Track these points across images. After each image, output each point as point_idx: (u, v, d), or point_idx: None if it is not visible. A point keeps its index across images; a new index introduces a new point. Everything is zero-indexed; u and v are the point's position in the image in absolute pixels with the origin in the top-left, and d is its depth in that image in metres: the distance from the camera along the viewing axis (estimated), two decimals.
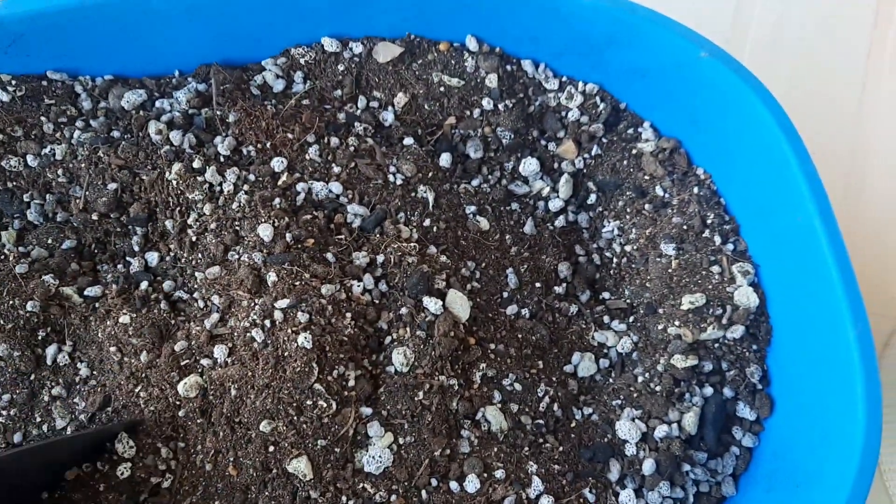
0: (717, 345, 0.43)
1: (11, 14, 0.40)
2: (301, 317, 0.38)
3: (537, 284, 0.44)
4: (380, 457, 0.38)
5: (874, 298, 0.52)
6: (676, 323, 0.43)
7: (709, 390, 0.43)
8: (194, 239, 0.41)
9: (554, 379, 0.43)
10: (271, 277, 0.39)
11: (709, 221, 0.45)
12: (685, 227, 0.44)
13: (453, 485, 0.38)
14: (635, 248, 0.45)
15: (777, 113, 0.41)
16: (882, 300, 0.52)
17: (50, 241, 0.41)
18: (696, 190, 0.45)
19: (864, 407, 0.37)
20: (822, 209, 0.40)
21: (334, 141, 0.43)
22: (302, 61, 0.45)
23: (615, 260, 0.46)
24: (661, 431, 0.41)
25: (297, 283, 0.39)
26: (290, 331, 0.38)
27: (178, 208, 0.41)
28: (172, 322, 0.40)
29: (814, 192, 0.40)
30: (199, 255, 0.41)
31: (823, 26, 0.57)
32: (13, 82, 0.42)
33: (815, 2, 0.57)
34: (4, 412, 0.38)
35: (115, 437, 0.37)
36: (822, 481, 0.38)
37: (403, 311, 0.40)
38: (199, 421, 0.38)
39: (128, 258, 0.42)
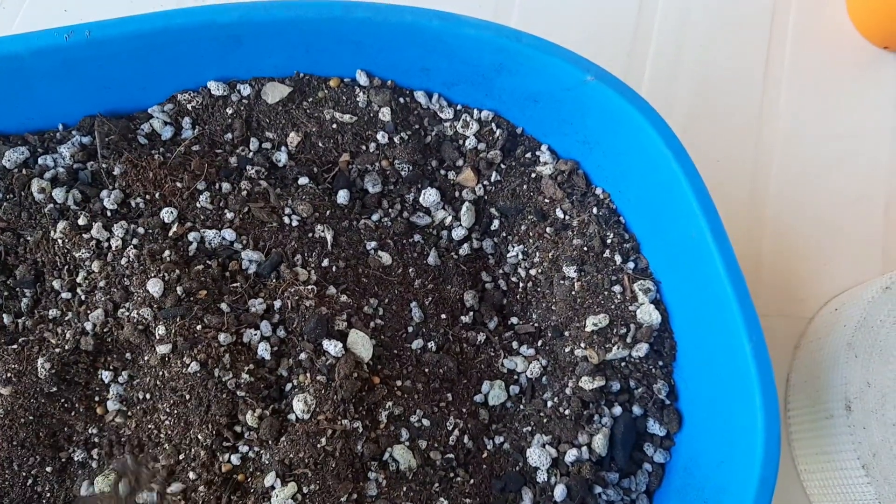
0: (623, 364, 0.43)
1: None
2: (193, 366, 0.38)
3: (443, 316, 0.44)
4: None
5: (784, 300, 0.53)
6: (582, 345, 0.43)
7: (618, 409, 0.43)
8: (83, 298, 0.40)
9: (464, 410, 0.42)
10: (160, 331, 0.38)
11: (609, 241, 0.45)
12: (585, 248, 0.45)
13: None
14: (540, 271, 0.45)
15: (664, 131, 0.42)
16: (791, 301, 0.52)
17: None
18: (595, 210, 0.46)
19: (763, 419, 0.38)
20: (712, 224, 0.40)
21: (226, 186, 0.43)
22: (189, 106, 0.44)
23: (521, 284, 0.46)
24: (571, 456, 0.41)
25: (188, 334, 0.38)
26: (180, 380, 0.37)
27: (66, 267, 0.40)
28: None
29: (704, 207, 0.41)
30: (90, 314, 0.40)
31: (722, 41, 0.58)
32: None
33: (713, 18, 0.58)
34: None
35: None
36: (727, 495, 0.39)
37: (303, 356, 0.39)
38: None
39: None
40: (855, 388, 0.44)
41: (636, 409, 0.43)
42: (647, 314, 0.43)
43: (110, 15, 0.47)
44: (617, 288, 0.44)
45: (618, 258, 0.44)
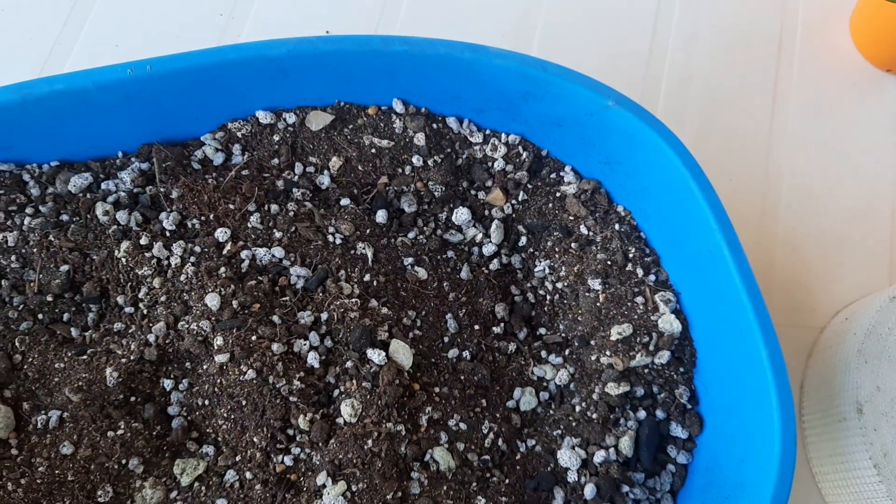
0: (646, 370, 0.46)
1: None
2: (250, 374, 0.41)
3: (476, 327, 0.47)
4: None
5: (796, 311, 0.56)
6: (607, 353, 0.46)
7: (642, 413, 0.46)
8: (145, 312, 0.43)
9: (497, 415, 0.45)
10: (218, 342, 0.41)
11: (631, 255, 0.48)
12: (609, 262, 0.48)
13: None
14: (566, 284, 0.48)
15: (681, 152, 0.45)
16: (804, 312, 0.55)
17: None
18: (617, 227, 0.49)
19: (780, 421, 0.40)
20: (728, 238, 0.43)
21: (274, 208, 0.46)
22: (239, 134, 0.47)
23: (548, 297, 0.49)
24: (599, 457, 0.44)
25: (245, 344, 0.41)
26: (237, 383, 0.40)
27: (129, 284, 0.44)
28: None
29: (720, 222, 0.43)
30: (152, 327, 0.43)
31: (732, 65, 0.61)
32: None
33: (723, 43, 0.62)
34: None
35: None
36: (747, 492, 0.41)
37: (349, 364, 0.42)
38: None
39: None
40: (866, 392, 0.47)
41: (659, 413, 0.46)
42: (668, 323, 0.46)
43: (158, 49, 0.51)
44: (639, 299, 0.47)
45: (639, 271, 0.47)
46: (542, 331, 0.49)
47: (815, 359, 0.53)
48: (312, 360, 0.42)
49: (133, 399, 0.42)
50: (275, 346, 0.42)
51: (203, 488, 0.40)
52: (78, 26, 0.58)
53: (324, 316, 0.43)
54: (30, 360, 0.42)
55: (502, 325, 0.48)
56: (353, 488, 0.40)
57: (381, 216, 0.48)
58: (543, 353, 0.48)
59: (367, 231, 0.47)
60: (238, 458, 0.41)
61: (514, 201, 0.50)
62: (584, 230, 0.49)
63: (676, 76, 0.61)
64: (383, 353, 0.43)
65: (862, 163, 0.59)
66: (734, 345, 0.44)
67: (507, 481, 0.43)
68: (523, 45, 0.61)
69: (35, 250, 0.44)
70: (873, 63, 0.61)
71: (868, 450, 0.46)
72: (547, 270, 0.49)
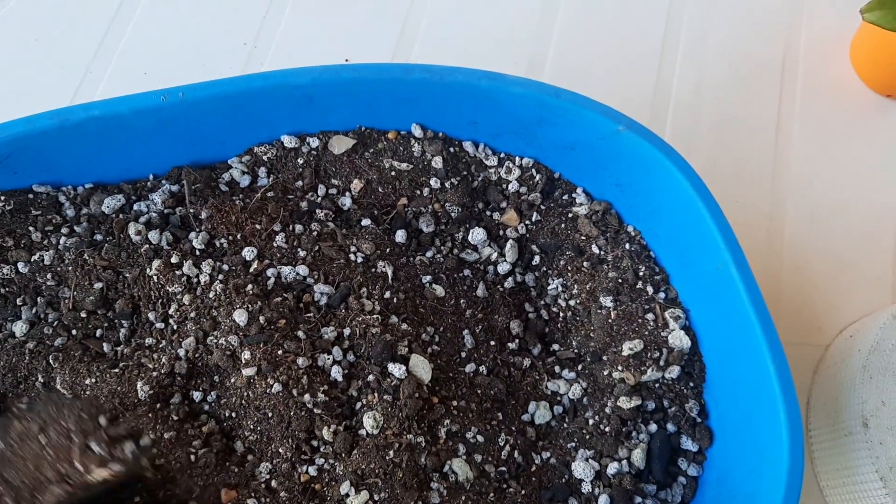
0: (657, 385, 0.48)
1: None
2: (276, 387, 0.42)
3: (492, 342, 0.49)
4: None
5: (802, 329, 0.57)
6: (619, 368, 0.47)
7: (653, 427, 0.47)
8: (175, 327, 0.45)
9: (513, 428, 0.47)
10: (245, 356, 0.43)
11: (641, 274, 0.50)
12: (620, 280, 0.49)
13: None
14: (578, 302, 0.50)
15: (689, 174, 0.46)
16: (809, 330, 0.57)
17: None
18: (627, 246, 0.50)
19: (788, 433, 0.41)
20: (736, 257, 0.45)
21: (298, 228, 0.48)
22: (265, 158, 0.49)
23: (561, 314, 0.51)
24: (612, 468, 0.45)
25: (271, 358, 0.43)
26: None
27: (160, 301, 0.45)
28: None
29: (727, 242, 0.45)
30: (182, 341, 0.44)
31: (737, 92, 0.63)
32: (2, 198, 0.46)
33: (727, 71, 0.64)
34: None
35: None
36: (758, 500, 0.42)
37: (371, 378, 0.44)
38: None
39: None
40: (871, 407, 0.48)
41: (670, 427, 0.47)
42: (678, 339, 0.47)
43: (185, 76, 0.53)
44: (650, 316, 0.48)
45: (650, 289, 0.49)
46: (556, 347, 0.50)
47: (820, 375, 0.55)
48: (336, 373, 0.44)
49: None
50: (300, 361, 0.43)
51: None
52: (108, 55, 0.61)
53: (346, 331, 0.45)
54: (62, 374, 0.44)
55: (517, 341, 0.50)
56: (376, 497, 0.42)
57: (400, 236, 0.50)
58: (557, 369, 0.49)
59: (387, 250, 0.49)
60: (262, 468, 0.42)
61: (527, 222, 0.52)
62: (595, 249, 0.51)
63: (683, 102, 0.63)
64: (404, 368, 0.44)
65: (864, 186, 0.60)
66: (742, 360, 0.45)
67: (523, 492, 0.44)
68: (535, 73, 0.63)
69: (70, 268, 0.46)
70: (874, 89, 0.63)
71: (874, 463, 0.47)
72: (560, 288, 0.51)
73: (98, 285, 0.45)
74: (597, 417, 0.47)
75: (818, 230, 0.59)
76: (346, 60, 0.61)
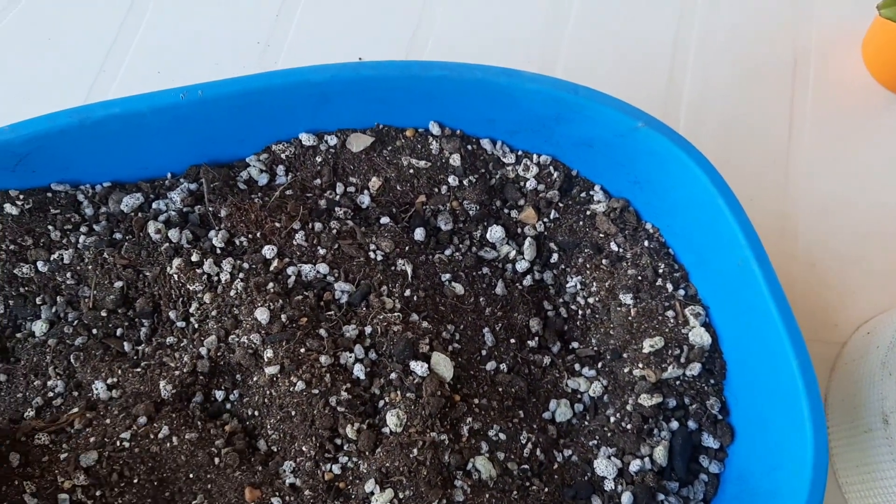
0: (678, 382, 0.48)
1: (17, 137, 0.44)
2: (299, 385, 0.42)
3: (512, 340, 0.49)
4: None
5: (818, 327, 0.57)
6: (640, 365, 0.47)
7: (675, 424, 0.47)
8: (196, 326, 0.45)
9: (535, 426, 0.47)
10: (268, 354, 0.43)
11: (660, 271, 0.49)
12: (640, 277, 0.49)
13: None
14: (597, 299, 0.50)
15: (709, 171, 0.46)
16: (824, 327, 0.57)
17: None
18: (646, 243, 0.50)
19: (812, 427, 0.41)
20: (756, 252, 0.45)
21: (318, 226, 0.48)
22: (283, 156, 0.49)
23: (580, 312, 0.51)
24: (635, 466, 0.45)
25: (294, 357, 0.43)
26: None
27: (181, 299, 0.45)
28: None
29: (748, 237, 0.45)
30: (204, 340, 0.44)
31: (750, 90, 0.63)
32: (21, 197, 0.46)
33: (740, 69, 0.64)
34: None
35: None
36: (780, 500, 0.42)
37: (393, 375, 0.44)
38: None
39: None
40: (891, 403, 0.48)
41: (691, 424, 0.47)
42: (699, 336, 0.47)
43: (198, 75, 0.53)
44: (670, 313, 0.48)
45: (669, 286, 0.49)
46: (575, 344, 0.50)
47: (838, 372, 0.55)
48: (358, 371, 0.44)
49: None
50: (322, 359, 0.43)
51: None
52: (122, 53, 0.61)
53: (368, 329, 0.45)
54: (84, 374, 0.44)
55: (537, 338, 0.50)
56: (401, 495, 0.41)
57: (419, 234, 0.50)
58: (577, 366, 0.49)
59: (407, 248, 0.49)
60: (286, 467, 0.42)
61: (545, 219, 0.52)
62: (614, 247, 0.51)
63: (695, 100, 0.63)
64: (426, 365, 0.44)
65: (877, 182, 0.61)
66: (763, 357, 0.45)
67: (546, 490, 0.44)
68: (548, 68, 0.63)
69: (90, 267, 0.45)
70: (886, 86, 0.63)
71: (895, 459, 0.47)
72: (578, 286, 0.51)
73: (118, 284, 0.45)
74: (618, 415, 0.47)
75: (831, 228, 0.60)
76: (360, 59, 0.61)
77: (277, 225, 0.47)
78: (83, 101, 0.58)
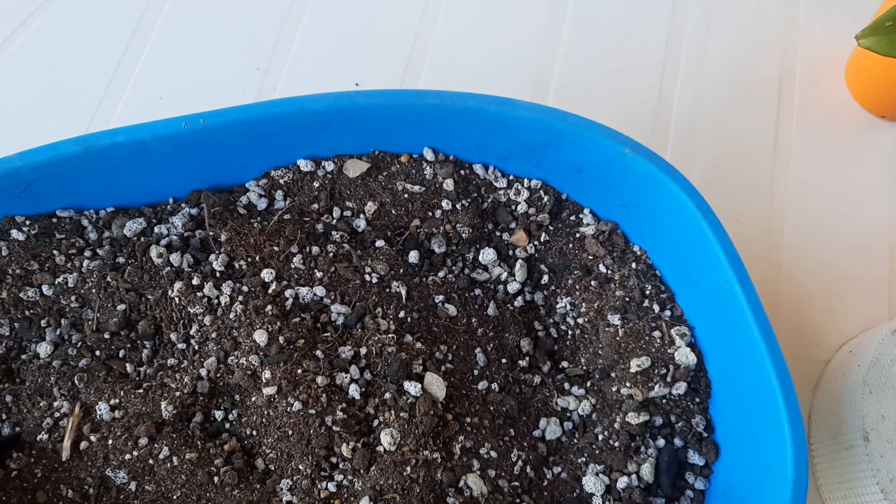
0: (664, 401, 0.49)
1: (24, 164, 0.46)
2: (296, 405, 0.43)
3: (503, 360, 0.50)
4: None
5: (803, 345, 0.58)
6: (627, 384, 0.49)
7: (661, 442, 0.48)
8: (196, 347, 0.46)
9: (525, 444, 0.48)
10: (266, 375, 0.44)
11: (647, 292, 0.51)
12: (627, 298, 0.51)
13: None
14: (586, 320, 0.51)
15: (693, 195, 0.48)
16: (808, 346, 0.58)
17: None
18: (634, 265, 0.52)
19: (792, 445, 0.43)
20: (739, 275, 0.46)
21: (315, 249, 0.49)
22: (281, 181, 0.51)
23: (570, 332, 0.52)
24: (622, 483, 0.47)
25: (291, 377, 0.44)
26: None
27: (182, 322, 0.47)
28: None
29: (731, 260, 0.46)
30: (204, 361, 0.46)
31: (735, 113, 0.65)
32: (27, 222, 0.47)
33: (726, 92, 0.66)
34: None
35: None
36: None
37: (387, 395, 0.45)
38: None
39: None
40: (871, 421, 0.49)
41: (677, 441, 0.49)
42: (684, 356, 0.49)
43: (199, 100, 0.55)
44: (656, 333, 0.50)
45: (656, 307, 0.50)
46: (565, 364, 0.52)
47: (821, 390, 0.56)
48: (353, 391, 0.45)
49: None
50: (319, 379, 0.45)
51: None
52: (124, 80, 0.62)
53: (363, 350, 0.46)
54: (87, 395, 0.45)
55: (527, 358, 0.51)
56: None
57: (413, 257, 0.51)
58: (566, 385, 0.51)
59: (401, 271, 0.50)
60: (282, 485, 0.44)
61: (536, 242, 0.53)
62: (602, 269, 0.52)
63: (683, 124, 0.65)
64: (419, 385, 0.46)
65: (860, 203, 0.62)
66: (747, 376, 0.47)
67: None
68: (540, 94, 0.65)
69: (93, 291, 0.47)
70: (868, 109, 0.65)
71: (875, 475, 0.48)
72: (568, 307, 0.52)
73: (121, 307, 0.47)
74: (606, 433, 0.48)
75: (815, 246, 0.61)
76: (357, 84, 0.63)
77: (276, 249, 0.49)
78: (87, 126, 0.60)
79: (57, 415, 0.45)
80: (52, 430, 0.44)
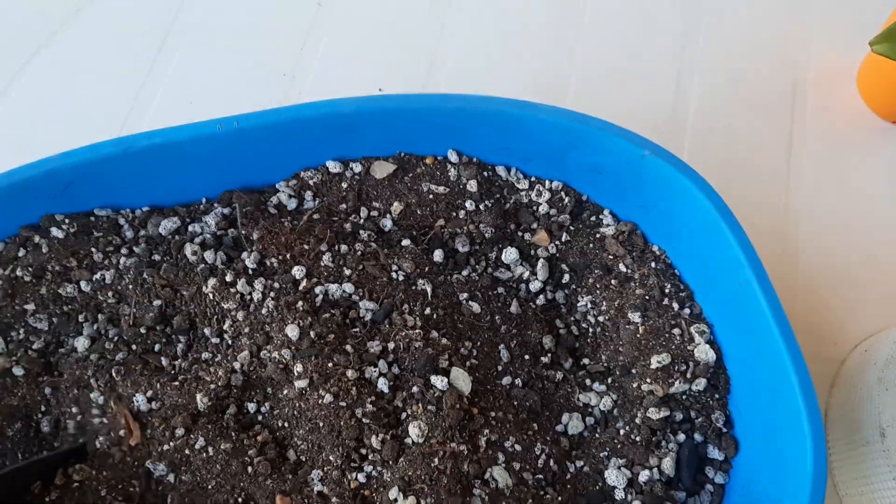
0: (684, 396, 0.50)
1: (64, 165, 0.47)
2: (327, 398, 0.45)
3: (526, 356, 0.51)
4: None
5: (817, 345, 0.59)
6: (648, 380, 0.50)
7: (681, 437, 0.49)
8: (230, 342, 0.48)
9: (548, 438, 0.49)
10: (298, 369, 0.46)
11: (667, 290, 0.52)
12: (647, 297, 0.52)
13: None
14: (607, 318, 0.53)
15: (712, 196, 0.49)
16: (824, 345, 0.59)
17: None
18: (653, 265, 0.53)
19: (811, 441, 0.44)
20: (758, 273, 0.47)
21: (343, 248, 0.51)
22: (311, 182, 0.52)
23: (591, 330, 0.53)
24: (644, 476, 0.48)
25: (322, 371, 0.45)
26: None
27: (216, 317, 0.48)
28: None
29: (749, 259, 0.48)
30: (237, 356, 0.47)
31: (749, 116, 0.66)
32: (66, 221, 0.49)
33: (741, 98, 0.67)
34: None
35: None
36: None
37: (415, 389, 0.47)
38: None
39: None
40: (887, 417, 0.50)
41: (697, 436, 0.50)
42: (704, 353, 0.50)
43: (228, 105, 0.56)
44: (676, 331, 0.51)
45: (675, 305, 0.52)
46: (586, 361, 0.53)
47: (837, 388, 0.57)
48: (382, 385, 0.46)
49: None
50: (349, 373, 0.46)
51: None
52: (155, 86, 0.64)
53: (391, 345, 0.48)
54: (125, 387, 0.46)
55: (549, 355, 0.52)
56: (423, 502, 0.44)
57: (438, 255, 0.53)
58: (588, 382, 0.52)
59: (426, 269, 0.52)
60: (312, 476, 0.45)
61: (557, 242, 0.55)
62: (622, 268, 0.53)
63: (699, 129, 0.66)
64: (445, 380, 0.47)
65: (872, 207, 0.63)
66: (765, 372, 0.48)
67: (559, 498, 0.47)
68: (559, 99, 0.66)
69: (130, 287, 0.48)
70: (881, 115, 0.66)
71: (892, 471, 0.49)
72: (589, 305, 0.54)
73: (157, 303, 0.48)
74: (627, 428, 0.49)
75: (829, 250, 0.62)
76: (380, 90, 0.65)
77: (306, 247, 0.50)
78: (120, 129, 0.61)
79: (96, 411, 0.46)
80: (105, 432, 0.45)
